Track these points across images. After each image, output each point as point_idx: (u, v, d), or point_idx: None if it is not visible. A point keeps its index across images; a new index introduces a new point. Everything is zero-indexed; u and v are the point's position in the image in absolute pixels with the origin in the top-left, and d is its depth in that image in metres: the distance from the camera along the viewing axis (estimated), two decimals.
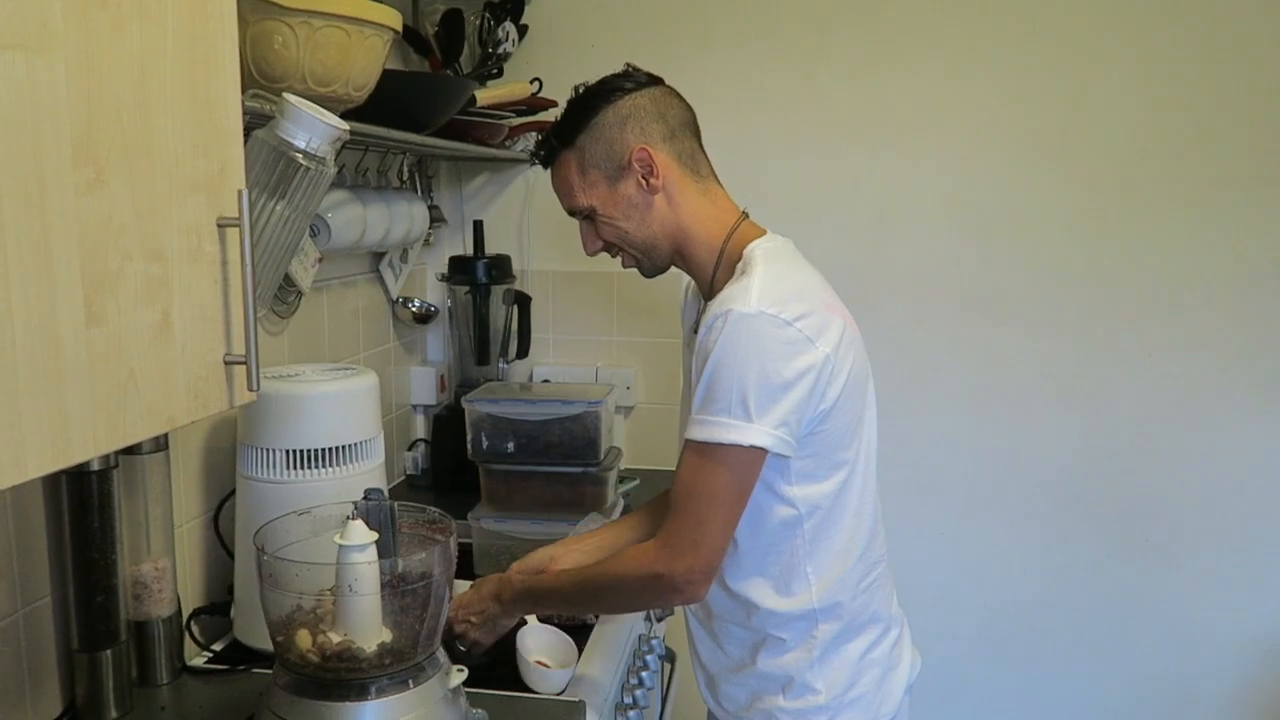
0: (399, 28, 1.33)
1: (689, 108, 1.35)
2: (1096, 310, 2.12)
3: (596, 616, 1.54)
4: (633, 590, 1.25)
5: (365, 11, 1.24)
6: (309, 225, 1.34)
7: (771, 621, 1.30)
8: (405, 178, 2.07)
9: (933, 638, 2.28)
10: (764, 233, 1.33)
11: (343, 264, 1.95)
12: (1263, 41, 1.98)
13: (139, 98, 0.76)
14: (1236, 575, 2.14)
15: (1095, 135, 2.06)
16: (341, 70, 1.24)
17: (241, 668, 1.38)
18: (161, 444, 1.33)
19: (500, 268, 2.16)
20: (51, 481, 1.22)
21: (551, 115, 2.13)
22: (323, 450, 1.37)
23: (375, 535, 1.06)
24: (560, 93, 2.12)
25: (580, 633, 1.48)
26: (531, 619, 1.42)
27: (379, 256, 2.09)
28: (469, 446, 1.82)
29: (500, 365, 2.21)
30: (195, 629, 1.43)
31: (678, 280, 1.56)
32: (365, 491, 1.15)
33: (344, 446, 1.38)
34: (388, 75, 1.37)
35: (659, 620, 1.87)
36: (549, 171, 1.38)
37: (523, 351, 2.21)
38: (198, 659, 1.42)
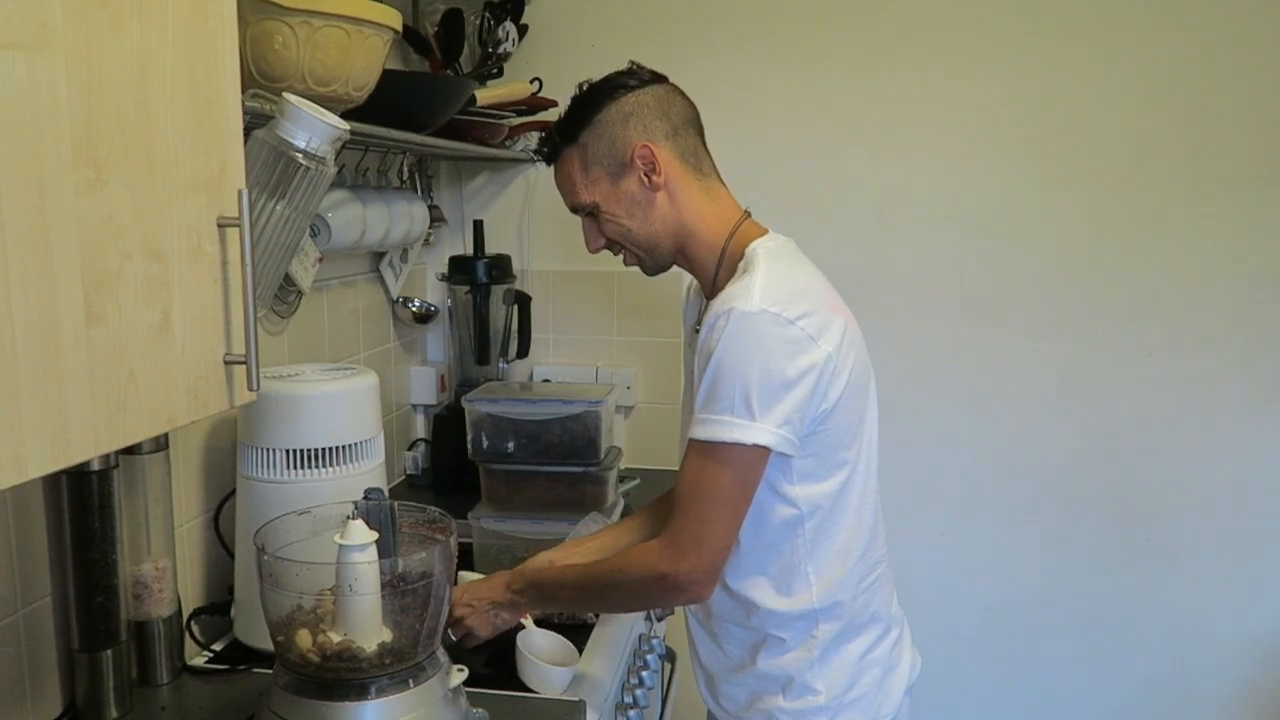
0: (399, 27, 1.33)
1: (692, 105, 1.35)
2: (1097, 310, 2.12)
3: (596, 616, 1.54)
4: (637, 589, 1.25)
5: (365, 11, 1.24)
6: (309, 225, 1.34)
7: (772, 621, 1.30)
8: (405, 177, 2.07)
9: (933, 637, 2.28)
10: (766, 232, 1.33)
11: (343, 264, 1.95)
12: (1265, 41, 1.98)
13: (139, 97, 0.76)
14: (1236, 575, 2.14)
15: (1096, 135, 2.06)
16: (341, 70, 1.24)
17: (242, 667, 1.38)
18: (162, 444, 1.33)
19: (500, 267, 2.16)
20: (52, 481, 1.22)
21: (552, 115, 2.13)
22: (323, 450, 1.37)
23: (375, 535, 1.06)
24: (560, 92, 2.13)
25: (580, 632, 1.48)
26: (530, 623, 1.42)
27: (379, 256, 2.09)
28: (469, 446, 1.82)
29: (500, 365, 2.21)
30: (195, 629, 1.43)
31: (678, 280, 1.56)
32: (365, 491, 1.15)
33: (344, 446, 1.38)
34: (388, 75, 1.37)
35: (659, 620, 1.87)
36: (552, 168, 1.38)
37: (523, 351, 2.21)
38: (198, 659, 1.42)
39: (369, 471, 1.42)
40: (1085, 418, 2.15)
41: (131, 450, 1.29)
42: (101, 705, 1.24)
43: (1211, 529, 2.13)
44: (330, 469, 1.37)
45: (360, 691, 1.04)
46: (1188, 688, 2.20)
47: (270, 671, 1.10)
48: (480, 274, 2.12)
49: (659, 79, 1.34)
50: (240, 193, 0.85)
